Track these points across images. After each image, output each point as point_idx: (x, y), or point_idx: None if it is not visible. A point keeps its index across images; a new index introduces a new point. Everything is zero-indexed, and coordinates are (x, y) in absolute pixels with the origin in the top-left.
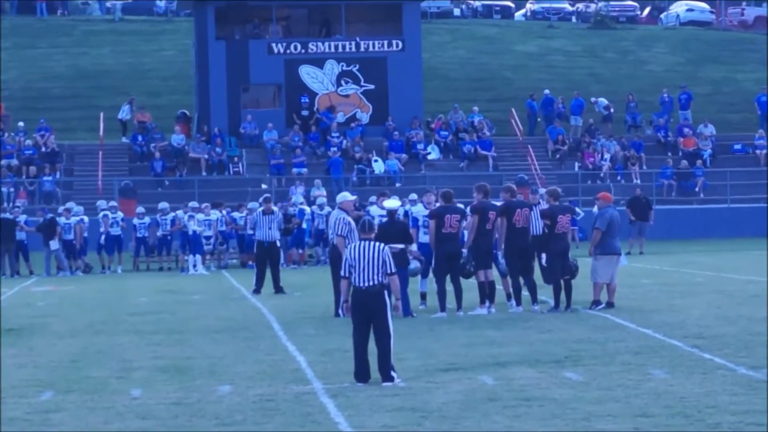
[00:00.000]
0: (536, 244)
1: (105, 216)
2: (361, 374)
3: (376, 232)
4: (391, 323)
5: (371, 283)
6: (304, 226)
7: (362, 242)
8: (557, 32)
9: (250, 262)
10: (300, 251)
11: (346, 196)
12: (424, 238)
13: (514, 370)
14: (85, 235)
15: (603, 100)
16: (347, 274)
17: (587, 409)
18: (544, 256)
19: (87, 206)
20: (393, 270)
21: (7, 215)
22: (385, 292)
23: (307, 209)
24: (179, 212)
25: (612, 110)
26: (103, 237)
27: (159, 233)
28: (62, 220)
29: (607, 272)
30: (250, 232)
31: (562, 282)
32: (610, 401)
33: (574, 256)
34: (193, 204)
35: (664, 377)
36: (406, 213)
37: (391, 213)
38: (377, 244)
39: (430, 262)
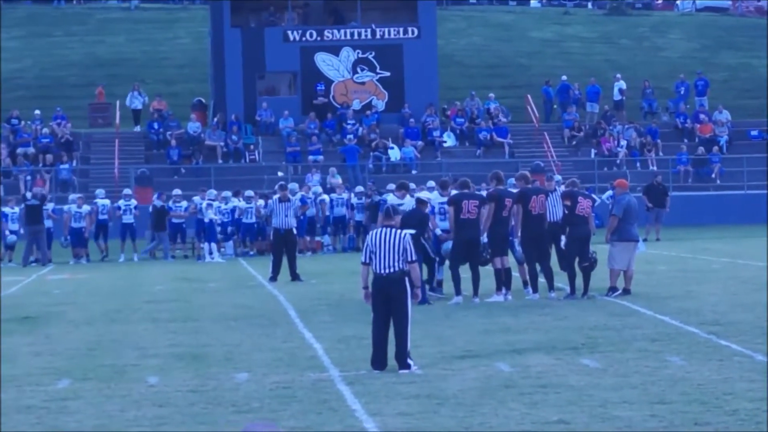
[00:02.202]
0: (553, 231)
1: (94, 203)
2: (378, 361)
3: (397, 218)
4: (410, 311)
5: (391, 270)
6: (312, 211)
7: (383, 229)
8: (573, 18)
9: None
10: (317, 239)
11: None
12: (442, 225)
13: (530, 357)
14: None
15: (622, 83)
16: (368, 260)
17: (604, 396)
18: (563, 238)
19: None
20: (414, 258)
21: (34, 201)
22: (406, 280)
23: (326, 197)
24: (196, 198)
25: (624, 97)
26: (93, 225)
27: (173, 220)
28: (73, 208)
29: (624, 259)
30: (251, 221)
31: (578, 268)
32: (627, 388)
33: (593, 248)
34: (212, 192)
35: (681, 364)
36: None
37: (420, 202)
38: (398, 231)
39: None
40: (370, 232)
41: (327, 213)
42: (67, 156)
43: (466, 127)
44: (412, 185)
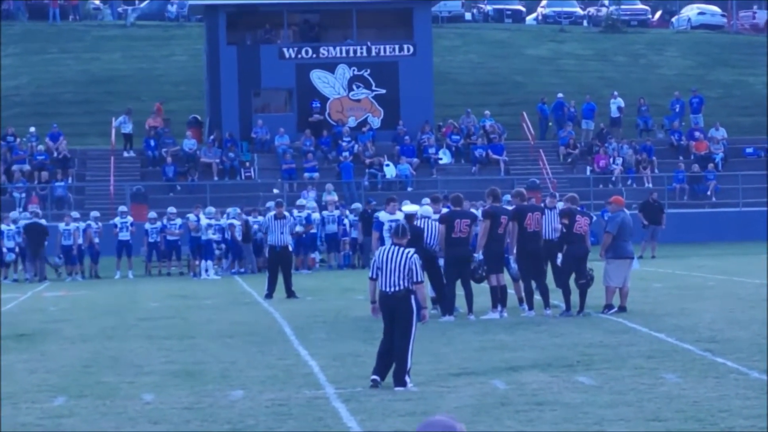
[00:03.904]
0: (548, 248)
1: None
2: (378, 371)
3: (408, 238)
4: (414, 330)
5: (396, 289)
6: (314, 230)
7: (391, 247)
8: (568, 36)
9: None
10: (312, 256)
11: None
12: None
13: (526, 374)
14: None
15: (620, 100)
16: (374, 276)
17: (599, 414)
18: (560, 256)
19: (99, 211)
20: (420, 278)
21: (39, 220)
22: (412, 298)
23: (316, 215)
24: (190, 215)
25: (621, 114)
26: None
27: (168, 237)
28: (62, 225)
29: (620, 276)
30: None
31: (575, 285)
32: (623, 405)
33: (590, 266)
34: (210, 210)
35: (677, 381)
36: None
37: (409, 217)
38: (405, 250)
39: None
40: (379, 249)
41: (315, 230)
42: (63, 173)
43: (462, 145)
44: (407, 203)
